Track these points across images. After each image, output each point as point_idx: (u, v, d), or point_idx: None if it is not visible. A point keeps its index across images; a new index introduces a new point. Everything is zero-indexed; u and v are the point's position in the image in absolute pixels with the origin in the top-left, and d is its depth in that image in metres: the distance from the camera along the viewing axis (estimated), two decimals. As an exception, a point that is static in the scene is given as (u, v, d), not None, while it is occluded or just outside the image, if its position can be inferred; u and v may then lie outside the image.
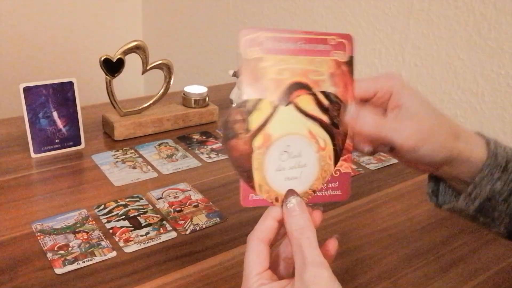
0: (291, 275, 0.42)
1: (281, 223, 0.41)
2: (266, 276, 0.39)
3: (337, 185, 0.43)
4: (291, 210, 0.40)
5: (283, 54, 0.41)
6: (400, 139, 0.41)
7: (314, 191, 0.43)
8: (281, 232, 0.42)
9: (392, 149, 0.42)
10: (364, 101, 0.44)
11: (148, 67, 0.91)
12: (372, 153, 0.44)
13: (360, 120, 0.41)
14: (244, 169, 0.41)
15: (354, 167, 0.85)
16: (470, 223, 0.48)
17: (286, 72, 0.41)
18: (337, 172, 0.43)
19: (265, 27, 0.42)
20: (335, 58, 0.43)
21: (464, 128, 0.45)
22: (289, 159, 0.42)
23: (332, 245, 0.42)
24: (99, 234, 0.63)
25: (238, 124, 0.41)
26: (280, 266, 0.43)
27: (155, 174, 0.80)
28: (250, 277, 0.39)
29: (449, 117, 0.45)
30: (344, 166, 0.43)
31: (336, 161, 0.43)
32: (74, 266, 0.57)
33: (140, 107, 0.94)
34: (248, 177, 0.41)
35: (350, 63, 0.43)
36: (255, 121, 0.40)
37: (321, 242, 0.42)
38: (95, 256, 0.59)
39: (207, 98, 1.01)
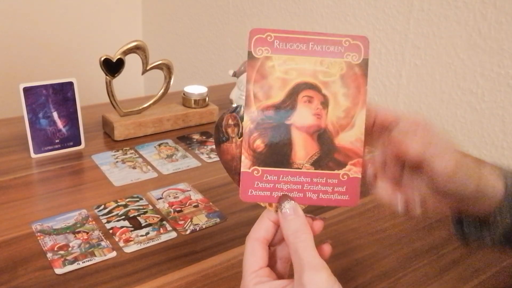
0: (288, 272, 0.42)
1: (278, 224, 0.41)
2: (263, 274, 0.39)
3: (344, 190, 0.42)
4: (286, 215, 0.40)
5: (292, 54, 0.41)
6: (442, 163, 0.41)
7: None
8: (279, 234, 0.42)
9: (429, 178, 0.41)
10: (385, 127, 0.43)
11: (148, 67, 0.91)
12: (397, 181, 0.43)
13: (406, 142, 0.40)
14: (236, 172, 0.41)
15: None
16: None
17: (293, 72, 0.41)
18: (345, 176, 0.41)
19: (274, 28, 0.42)
20: (348, 60, 0.42)
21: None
22: None
23: (325, 250, 0.42)
24: (99, 234, 0.63)
25: (231, 128, 0.41)
26: (277, 263, 0.43)
27: (155, 174, 0.80)
28: (247, 275, 0.40)
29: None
30: (353, 170, 0.41)
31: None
32: (74, 266, 0.57)
33: (140, 107, 0.94)
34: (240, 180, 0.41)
35: (364, 65, 0.42)
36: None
37: (319, 244, 0.42)
38: (95, 256, 0.59)
39: (207, 98, 1.01)
